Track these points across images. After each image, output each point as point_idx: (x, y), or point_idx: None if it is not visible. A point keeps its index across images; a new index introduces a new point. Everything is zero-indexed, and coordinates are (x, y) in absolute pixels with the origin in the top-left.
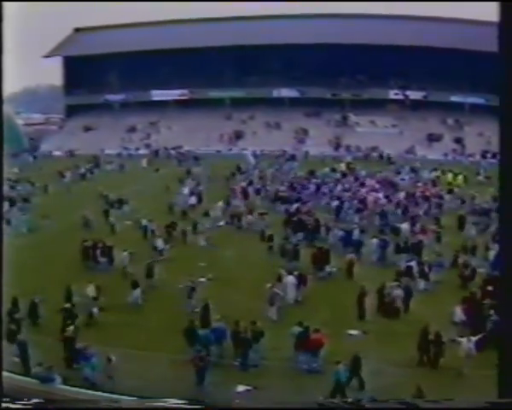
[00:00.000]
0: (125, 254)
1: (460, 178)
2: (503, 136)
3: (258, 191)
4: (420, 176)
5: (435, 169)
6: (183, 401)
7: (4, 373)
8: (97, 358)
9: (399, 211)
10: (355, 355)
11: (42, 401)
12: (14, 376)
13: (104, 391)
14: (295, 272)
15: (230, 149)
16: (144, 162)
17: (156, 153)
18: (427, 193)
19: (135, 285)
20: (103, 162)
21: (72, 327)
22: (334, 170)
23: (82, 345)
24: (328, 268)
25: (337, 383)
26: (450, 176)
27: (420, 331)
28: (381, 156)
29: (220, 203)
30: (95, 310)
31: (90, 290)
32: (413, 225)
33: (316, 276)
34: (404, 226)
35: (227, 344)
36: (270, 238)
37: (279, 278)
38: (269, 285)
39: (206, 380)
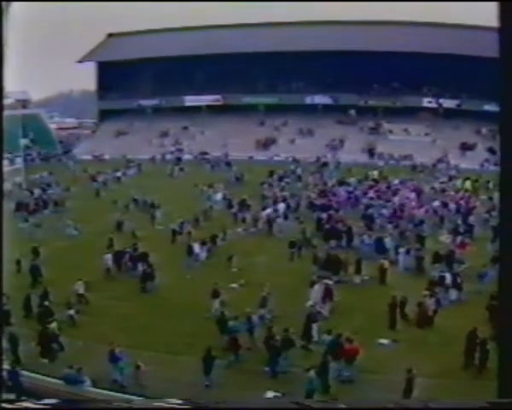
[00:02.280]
0: (109, 256)
1: (468, 183)
2: (504, 142)
3: (290, 198)
4: (453, 185)
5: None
6: (184, 401)
7: (27, 373)
8: (126, 360)
9: (433, 220)
10: (323, 360)
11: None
12: (38, 376)
13: (133, 394)
14: (328, 281)
15: (263, 156)
16: (176, 167)
17: (188, 158)
18: (461, 202)
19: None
20: (136, 167)
21: (54, 324)
22: (366, 177)
23: (111, 347)
24: (358, 276)
25: (309, 390)
26: (459, 182)
27: (467, 334)
28: (413, 165)
29: (251, 209)
30: (71, 312)
31: (79, 287)
32: (451, 235)
33: (348, 284)
34: (440, 236)
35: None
36: (301, 245)
37: (312, 285)
38: (310, 303)
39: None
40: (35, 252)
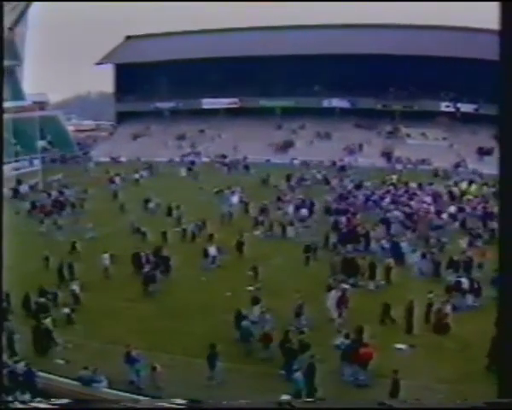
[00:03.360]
0: (106, 255)
1: (474, 187)
2: (503, 143)
3: (307, 202)
4: (470, 190)
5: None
6: (187, 401)
7: (43, 374)
8: (142, 362)
9: (451, 225)
10: (310, 362)
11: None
12: (52, 377)
13: (149, 396)
14: (344, 285)
15: (280, 159)
16: (193, 170)
17: (205, 161)
18: (479, 207)
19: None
20: (153, 169)
21: (49, 319)
22: (384, 182)
23: (128, 348)
24: (373, 281)
25: (296, 391)
26: (464, 185)
27: (491, 339)
28: (431, 169)
29: (268, 212)
30: (66, 310)
31: (75, 286)
32: (469, 240)
33: (364, 288)
34: (460, 242)
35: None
36: (316, 248)
37: (328, 289)
38: (336, 317)
39: None
40: (72, 249)
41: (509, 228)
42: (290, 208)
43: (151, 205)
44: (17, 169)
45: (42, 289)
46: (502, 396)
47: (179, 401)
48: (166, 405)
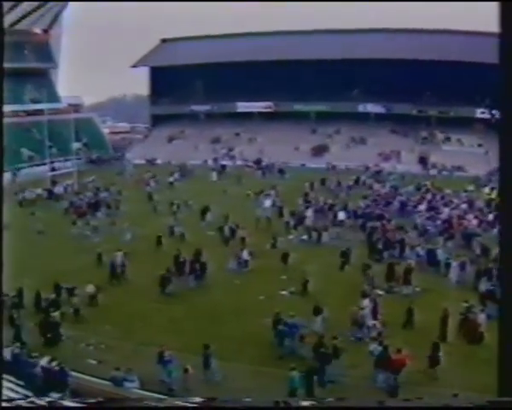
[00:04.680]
0: (119, 253)
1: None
2: (503, 146)
3: (341, 206)
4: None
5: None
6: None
7: (75, 374)
8: (175, 363)
9: (488, 232)
10: (310, 365)
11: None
12: (83, 376)
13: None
14: (379, 291)
15: (315, 163)
16: (227, 173)
17: (240, 164)
18: None
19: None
20: (188, 172)
21: (57, 313)
22: (419, 188)
23: (160, 349)
24: (410, 287)
25: (291, 389)
26: (487, 190)
27: None
28: (466, 176)
29: (301, 216)
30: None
31: (90, 288)
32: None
33: (399, 294)
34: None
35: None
36: (348, 254)
37: (363, 295)
38: (373, 322)
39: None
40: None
41: (509, 228)
42: (309, 212)
43: (186, 208)
44: (53, 170)
45: (70, 288)
46: (502, 395)
47: (198, 399)
48: (181, 403)
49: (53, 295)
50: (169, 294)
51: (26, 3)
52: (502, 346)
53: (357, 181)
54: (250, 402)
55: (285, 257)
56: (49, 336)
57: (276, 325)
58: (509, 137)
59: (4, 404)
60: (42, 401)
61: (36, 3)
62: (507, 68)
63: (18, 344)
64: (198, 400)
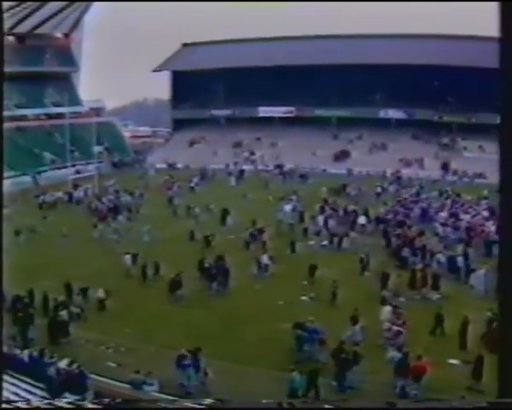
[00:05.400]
0: (128, 256)
1: None
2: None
3: (362, 212)
4: None
5: None
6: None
7: (95, 377)
8: (194, 368)
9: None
10: (313, 368)
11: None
12: (104, 379)
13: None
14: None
15: (336, 169)
16: (248, 178)
17: (261, 169)
18: None
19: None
20: (209, 176)
21: (65, 311)
22: (440, 194)
23: (180, 353)
24: (431, 293)
25: (291, 389)
26: None
27: None
28: (487, 183)
29: (321, 222)
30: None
31: (100, 292)
32: None
33: (420, 301)
34: None
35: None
36: (368, 260)
37: (382, 302)
38: (390, 326)
39: None
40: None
41: (509, 228)
42: (320, 219)
43: (207, 211)
44: (77, 173)
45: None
46: (502, 396)
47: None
48: (190, 405)
49: (80, 297)
50: (178, 298)
51: (47, 8)
52: (502, 346)
53: (379, 187)
54: (255, 403)
55: (312, 270)
56: (66, 339)
57: (296, 329)
58: (509, 137)
59: (4, 405)
60: (41, 403)
61: (55, 8)
62: (507, 70)
63: (37, 347)
64: (208, 401)
